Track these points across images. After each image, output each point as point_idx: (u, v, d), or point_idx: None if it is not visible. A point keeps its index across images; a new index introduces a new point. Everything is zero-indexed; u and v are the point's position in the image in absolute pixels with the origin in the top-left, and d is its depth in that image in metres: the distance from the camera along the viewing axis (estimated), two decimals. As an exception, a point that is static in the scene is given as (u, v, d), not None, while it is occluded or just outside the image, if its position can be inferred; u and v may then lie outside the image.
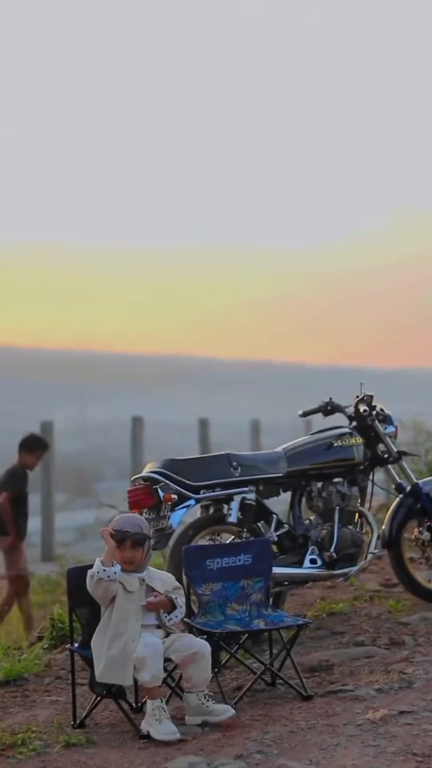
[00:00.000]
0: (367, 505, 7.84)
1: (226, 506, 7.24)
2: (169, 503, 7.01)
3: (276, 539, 7.39)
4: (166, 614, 5.73)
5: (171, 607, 5.74)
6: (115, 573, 5.64)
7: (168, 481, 7.04)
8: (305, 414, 8.12)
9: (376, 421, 7.86)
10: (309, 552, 7.46)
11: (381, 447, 7.92)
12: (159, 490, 7.03)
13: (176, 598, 5.78)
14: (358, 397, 7.95)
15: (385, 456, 7.92)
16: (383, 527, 7.82)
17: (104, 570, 5.63)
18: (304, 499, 7.70)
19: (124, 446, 17.32)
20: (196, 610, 6.21)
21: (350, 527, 7.61)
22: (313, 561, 7.44)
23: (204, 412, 20.66)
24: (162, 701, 5.57)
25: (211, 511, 7.31)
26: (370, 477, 7.88)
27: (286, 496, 7.77)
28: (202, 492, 7.14)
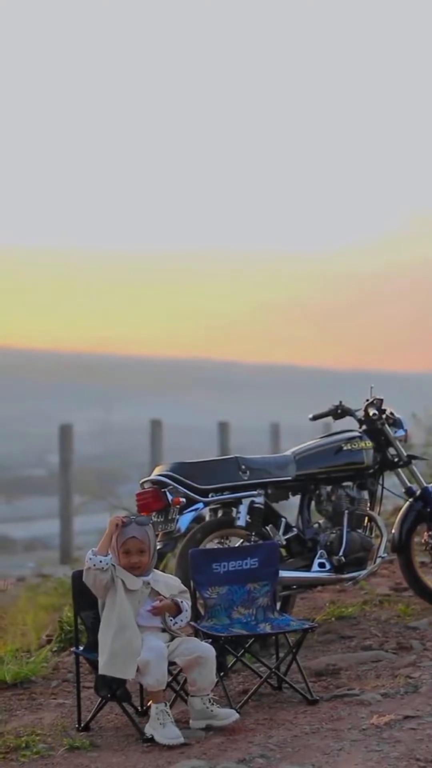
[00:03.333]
0: (377, 509, 7.82)
1: (234, 510, 7.23)
2: (178, 506, 7.00)
3: (284, 543, 7.38)
4: (171, 618, 5.72)
5: (176, 610, 5.73)
6: (101, 561, 5.63)
7: (176, 485, 7.03)
8: (315, 417, 8.10)
9: (386, 425, 7.85)
10: (318, 556, 7.43)
11: (391, 451, 7.90)
12: (167, 494, 7.01)
13: (182, 602, 5.76)
14: (368, 400, 7.94)
15: (395, 460, 7.91)
16: (393, 531, 7.80)
17: (90, 558, 5.64)
18: (313, 503, 7.69)
19: (146, 449, 17.32)
20: (202, 614, 6.20)
21: (359, 531, 7.58)
22: (321, 565, 7.41)
23: (223, 416, 20.61)
24: (166, 705, 5.56)
25: (220, 514, 7.29)
26: (380, 481, 7.86)
27: (295, 500, 7.75)
28: (210, 495, 7.12)
